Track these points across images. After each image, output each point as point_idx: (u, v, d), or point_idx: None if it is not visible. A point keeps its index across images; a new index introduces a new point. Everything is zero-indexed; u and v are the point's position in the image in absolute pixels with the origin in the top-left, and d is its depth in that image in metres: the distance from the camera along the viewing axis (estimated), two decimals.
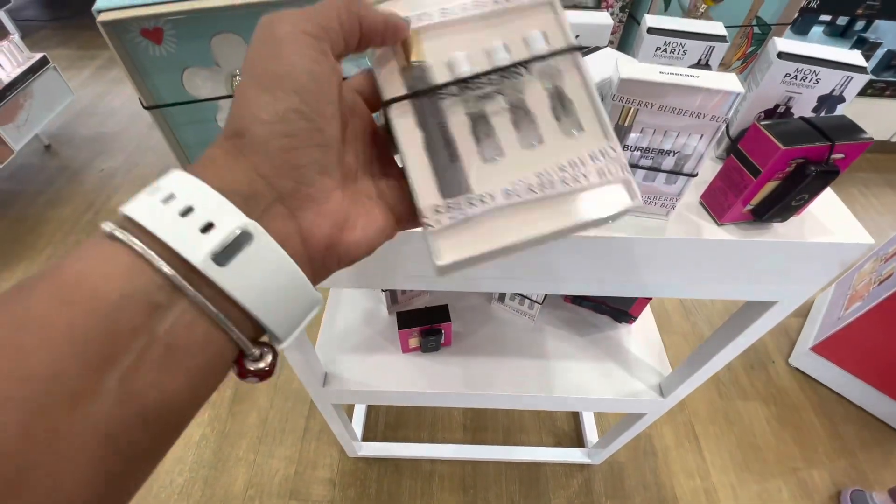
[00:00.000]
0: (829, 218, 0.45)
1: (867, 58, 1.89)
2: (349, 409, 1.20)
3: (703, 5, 0.51)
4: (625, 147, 0.39)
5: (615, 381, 0.78)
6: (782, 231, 0.44)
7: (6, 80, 1.60)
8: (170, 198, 0.15)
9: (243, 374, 0.17)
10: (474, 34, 0.22)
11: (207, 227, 0.15)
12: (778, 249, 0.43)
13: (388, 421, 1.22)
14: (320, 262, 0.18)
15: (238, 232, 0.15)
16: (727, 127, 0.50)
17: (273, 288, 0.16)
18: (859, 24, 2.03)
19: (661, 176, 0.40)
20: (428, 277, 0.49)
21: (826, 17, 2.04)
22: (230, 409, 1.21)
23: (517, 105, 0.21)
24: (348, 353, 0.79)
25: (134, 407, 0.14)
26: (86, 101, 2.22)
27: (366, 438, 1.17)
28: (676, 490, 1.13)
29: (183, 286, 0.14)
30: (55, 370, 0.12)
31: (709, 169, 0.50)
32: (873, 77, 1.92)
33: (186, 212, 0.15)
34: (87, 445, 0.13)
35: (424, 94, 0.21)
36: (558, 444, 1.19)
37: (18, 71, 1.65)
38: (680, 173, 0.40)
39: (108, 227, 0.14)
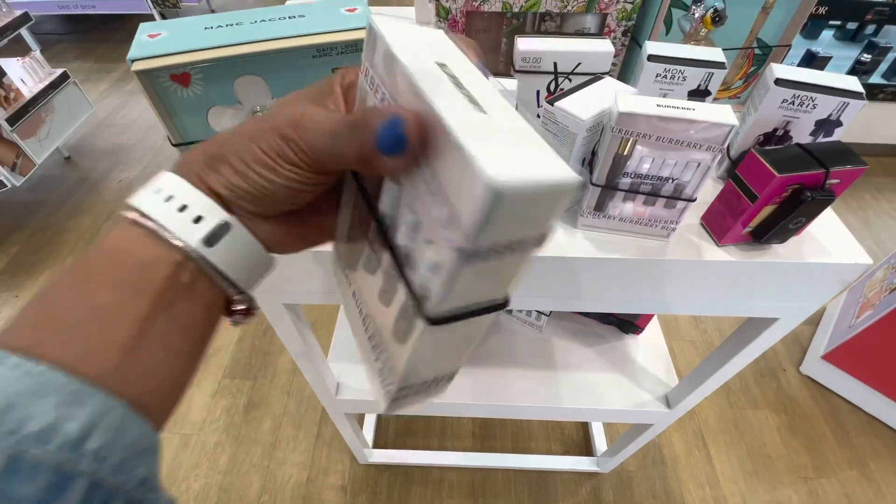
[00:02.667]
0: (828, 238, 0.46)
1: (877, 62, 1.88)
2: (360, 417, 1.22)
3: (704, 29, 0.52)
4: (624, 174, 0.41)
5: (622, 392, 0.79)
6: (782, 252, 0.45)
7: (28, 95, 1.66)
8: (170, 198, 0.20)
9: (231, 313, 0.23)
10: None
11: (198, 220, 0.20)
12: (777, 270, 0.45)
13: (398, 428, 1.24)
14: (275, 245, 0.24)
15: (221, 223, 0.20)
16: (728, 149, 0.51)
17: (246, 263, 0.22)
18: (869, 28, 2.02)
19: (661, 200, 0.42)
20: None
21: (836, 21, 2.02)
22: (245, 415, 1.24)
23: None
24: (360, 362, 0.81)
25: (179, 326, 0.20)
26: (104, 113, 2.28)
27: (376, 445, 1.19)
28: (686, 499, 1.13)
29: (192, 251, 0.20)
30: (125, 302, 0.19)
31: (709, 189, 0.51)
32: (885, 81, 1.90)
33: (182, 208, 0.20)
34: (155, 349, 0.19)
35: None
36: (567, 452, 1.20)
37: (40, 86, 1.71)
38: (679, 198, 0.41)
39: (130, 215, 0.20)
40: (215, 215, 0.20)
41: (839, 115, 0.44)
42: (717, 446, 1.22)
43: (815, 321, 1.47)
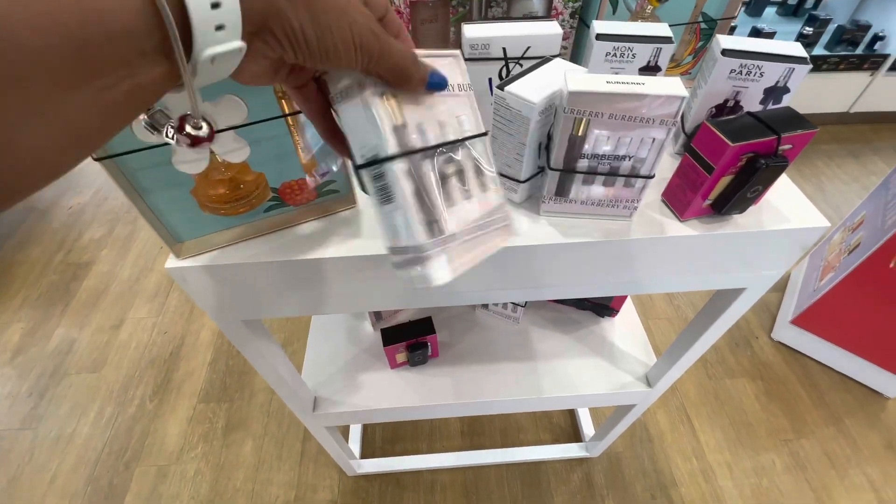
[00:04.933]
0: (786, 204, 0.46)
1: (819, 34, 1.96)
2: (345, 428, 1.19)
3: (649, 6, 0.52)
4: (581, 156, 0.40)
5: (603, 376, 0.79)
6: (742, 222, 0.45)
7: None
8: None
9: (194, 140, 0.24)
10: (424, 106, 0.27)
11: (219, 27, 0.18)
12: (739, 240, 0.45)
13: (385, 435, 1.21)
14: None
15: (238, 48, 0.19)
16: (682, 123, 0.51)
17: (210, 78, 0.21)
18: (810, 2, 2.10)
19: (620, 180, 0.41)
20: (408, 296, 0.49)
21: None
22: (224, 439, 1.19)
23: (460, 168, 0.29)
24: (336, 374, 0.79)
25: (96, 112, 0.17)
26: None
27: (364, 455, 1.17)
28: (675, 474, 1.15)
29: (178, 49, 0.18)
30: (51, 58, 0.15)
31: (668, 165, 0.51)
32: (827, 52, 1.98)
33: (215, 5, 0.18)
34: (54, 124, 0.16)
35: (415, 153, 0.26)
36: (556, 440, 1.20)
37: None
38: (637, 176, 0.41)
39: None
40: (235, 35, 0.19)
41: (786, 82, 0.44)
42: (700, 419, 1.25)
43: (781, 288, 1.52)
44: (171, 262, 0.42)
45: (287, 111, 0.38)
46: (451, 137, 0.28)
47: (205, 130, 0.26)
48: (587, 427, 1.20)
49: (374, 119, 0.25)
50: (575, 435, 1.22)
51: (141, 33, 0.17)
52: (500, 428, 1.23)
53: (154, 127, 0.26)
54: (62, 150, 0.17)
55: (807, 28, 1.94)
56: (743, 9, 1.99)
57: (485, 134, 0.30)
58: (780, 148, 0.39)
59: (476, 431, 1.23)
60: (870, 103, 2.16)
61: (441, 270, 0.27)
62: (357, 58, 0.23)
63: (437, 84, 0.26)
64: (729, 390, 1.30)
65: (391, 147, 0.25)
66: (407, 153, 0.25)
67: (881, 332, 1.19)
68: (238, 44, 0.19)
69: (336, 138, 0.29)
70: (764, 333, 1.43)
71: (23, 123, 0.15)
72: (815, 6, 2.10)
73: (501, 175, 0.46)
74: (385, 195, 0.26)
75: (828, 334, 1.30)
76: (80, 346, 1.39)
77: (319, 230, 0.45)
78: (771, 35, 1.89)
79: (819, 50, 1.99)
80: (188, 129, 0.25)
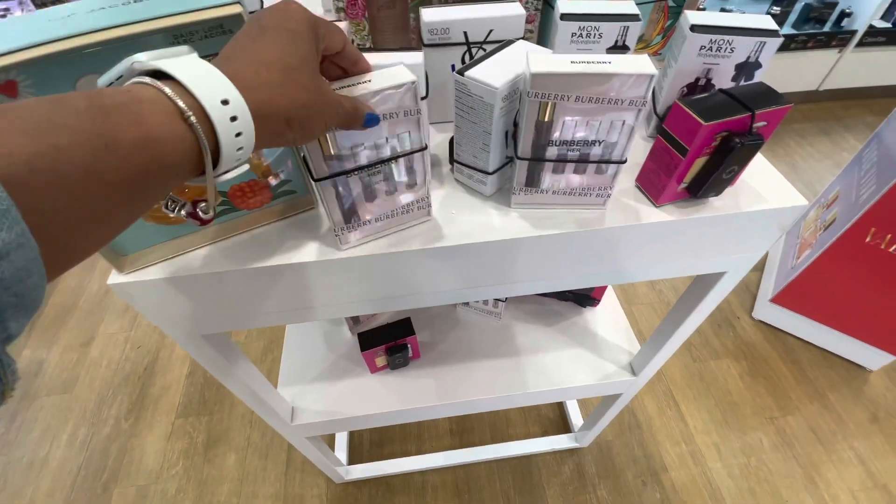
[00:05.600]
0: (763, 184, 0.45)
1: (786, 13, 1.97)
2: (330, 435, 1.16)
3: None
4: (550, 143, 0.37)
5: (587, 368, 0.78)
6: (719, 204, 0.43)
7: None
8: (225, 102, 0.22)
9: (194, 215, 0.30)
10: (363, 134, 0.33)
11: (234, 119, 0.22)
12: (717, 223, 0.43)
13: (372, 439, 1.19)
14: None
15: (250, 137, 0.24)
16: (654, 105, 0.49)
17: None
18: None
19: (592, 167, 0.39)
20: (381, 301, 0.46)
21: None
22: (205, 454, 1.15)
23: (387, 175, 0.37)
24: (314, 382, 0.76)
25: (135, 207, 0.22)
26: None
27: (352, 461, 1.14)
28: (665, 458, 1.15)
29: (210, 173, 0.23)
30: (121, 181, 0.20)
31: (641, 150, 0.49)
32: (795, 31, 2.00)
33: (234, 118, 0.23)
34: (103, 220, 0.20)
35: (341, 175, 0.35)
36: (545, 432, 1.20)
37: None
38: (609, 161, 0.39)
39: (180, 104, 0.21)
40: (249, 154, 0.24)
41: (757, 56, 0.42)
42: (687, 402, 1.25)
43: (760, 267, 1.53)
44: (115, 278, 0.38)
45: None
46: (385, 155, 0.35)
47: (210, 214, 0.33)
48: (576, 417, 1.19)
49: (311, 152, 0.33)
50: (564, 426, 1.21)
51: (186, 162, 0.22)
52: (490, 423, 1.22)
53: (167, 206, 0.35)
54: (100, 245, 0.21)
55: (774, 7, 1.95)
56: None
57: (424, 149, 0.36)
58: (755, 125, 0.38)
59: (465, 429, 1.21)
60: (839, 80, 2.19)
61: (353, 238, 0.40)
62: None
63: (371, 121, 0.31)
64: (713, 371, 1.31)
65: (318, 174, 0.34)
66: (332, 175, 0.34)
67: (860, 307, 1.20)
68: (247, 166, 0.26)
69: None
70: (745, 313, 1.44)
71: (85, 232, 0.19)
72: None
73: (469, 167, 0.43)
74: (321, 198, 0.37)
75: (807, 311, 1.31)
76: (49, 366, 1.33)
77: (276, 234, 0.42)
78: None
79: (787, 29, 2.01)
80: (199, 213, 0.38)
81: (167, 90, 0.21)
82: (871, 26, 1.99)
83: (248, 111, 0.22)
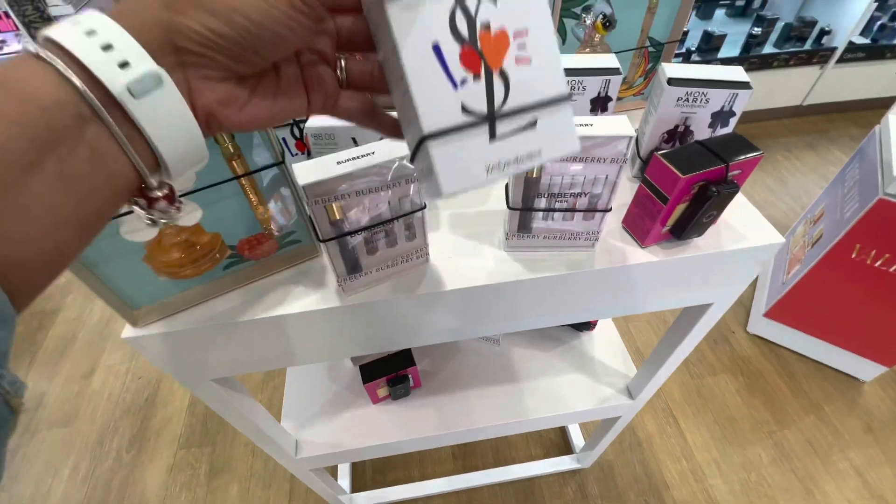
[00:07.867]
0: (742, 223, 0.48)
1: (767, 33, 2.03)
2: (332, 465, 1.17)
3: (598, 35, 0.53)
4: (538, 195, 0.40)
5: (585, 392, 0.79)
6: (702, 244, 0.46)
7: None
8: (91, 32, 0.17)
9: (150, 200, 0.21)
10: (368, 199, 0.36)
11: (124, 65, 0.17)
12: (699, 262, 0.46)
13: (375, 466, 1.19)
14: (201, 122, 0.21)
15: (151, 72, 0.18)
16: (637, 148, 0.52)
17: (174, 131, 0.19)
18: (757, 2, 2.19)
19: (579, 215, 0.42)
20: (383, 342, 0.48)
21: (726, 0, 2.18)
22: (208, 485, 1.15)
23: (388, 231, 0.40)
24: (317, 415, 0.77)
25: (70, 189, 0.17)
26: None
27: (355, 489, 1.14)
28: (666, 476, 1.16)
29: (94, 103, 0.17)
30: (4, 143, 0.16)
31: (627, 190, 0.52)
32: (777, 50, 2.06)
33: (107, 47, 0.17)
34: (33, 207, 0.16)
35: (344, 235, 0.37)
36: (547, 454, 1.20)
37: None
38: (595, 210, 0.41)
39: (32, 47, 0.17)
40: (145, 63, 0.18)
41: (731, 106, 0.45)
42: (686, 418, 1.26)
43: (752, 283, 1.56)
44: (128, 332, 0.40)
45: (238, 173, 0.37)
46: (386, 217, 0.38)
47: (165, 191, 0.22)
48: (577, 438, 1.20)
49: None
50: (566, 447, 1.22)
51: (69, 99, 0.17)
52: (492, 446, 1.22)
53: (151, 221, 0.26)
54: (47, 233, 0.17)
55: (755, 28, 2.01)
56: (693, 12, 2.06)
57: (423, 208, 0.39)
58: (730, 174, 0.40)
59: (468, 452, 1.21)
60: (822, 95, 2.25)
61: (355, 286, 0.42)
62: (293, 14, 0.20)
63: None
64: (711, 387, 1.33)
65: (324, 235, 0.37)
66: (339, 236, 0.37)
67: (850, 320, 1.22)
68: (145, 68, 0.18)
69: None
70: (740, 327, 1.47)
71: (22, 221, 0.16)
72: (763, 6, 2.18)
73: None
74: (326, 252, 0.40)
75: (800, 325, 1.33)
76: (50, 399, 1.33)
77: (284, 283, 0.44)
78: (722, 38, 1.96)
79: (769, 48, 2.07)
80: (152, 194, 0.23)
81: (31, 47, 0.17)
82: (850, 43, 2.06)
83: (120, 30, 0.18)
